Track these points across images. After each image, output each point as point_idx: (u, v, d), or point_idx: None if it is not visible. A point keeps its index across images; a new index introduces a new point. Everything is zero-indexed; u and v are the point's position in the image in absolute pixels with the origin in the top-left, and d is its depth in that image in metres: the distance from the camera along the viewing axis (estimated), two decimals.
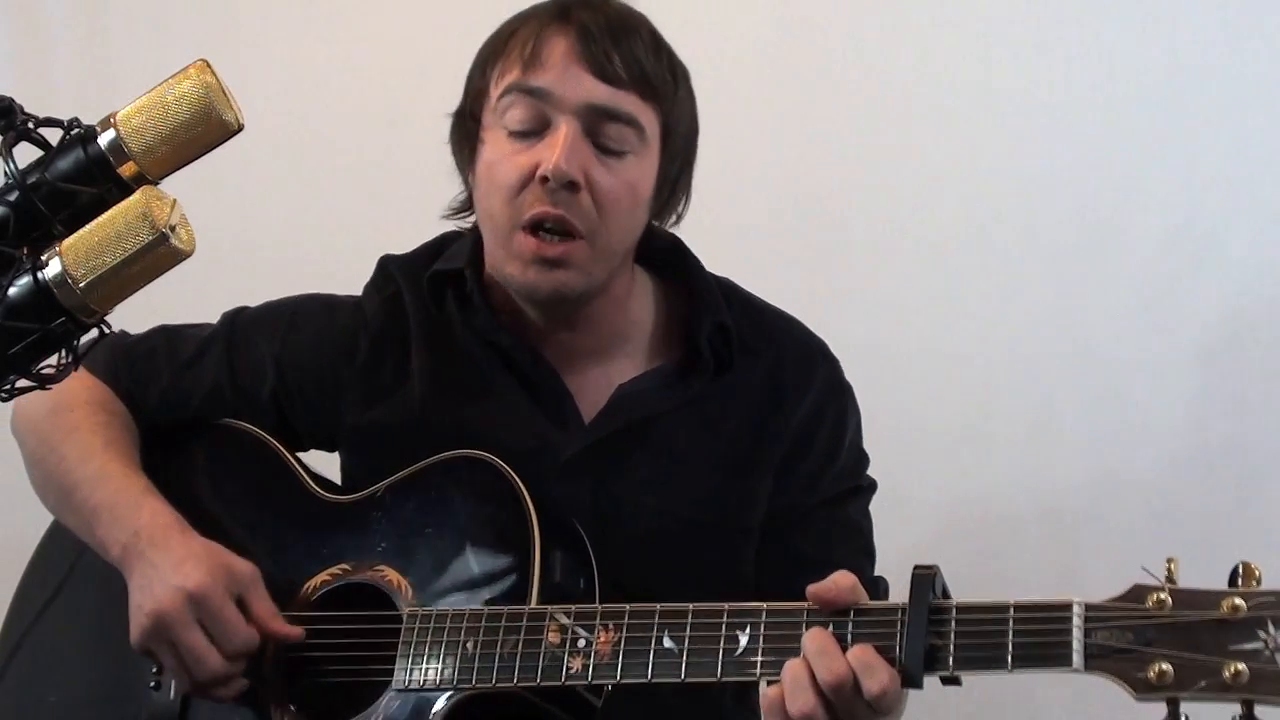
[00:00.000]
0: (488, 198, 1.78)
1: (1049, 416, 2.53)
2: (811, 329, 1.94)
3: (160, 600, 1.69)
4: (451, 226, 1.93)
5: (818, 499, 1.85)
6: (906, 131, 2.61)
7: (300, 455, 1.92)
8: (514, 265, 1.76)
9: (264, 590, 1.74)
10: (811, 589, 1.51)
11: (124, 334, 1.94)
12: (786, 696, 1.47)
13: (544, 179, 1.71)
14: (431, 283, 1.87)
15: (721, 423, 1.84)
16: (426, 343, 1.87)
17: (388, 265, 1.94)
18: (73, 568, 1.87)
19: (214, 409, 1.93)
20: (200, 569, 1.70)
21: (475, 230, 1.87)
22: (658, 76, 1.76)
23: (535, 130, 1.74)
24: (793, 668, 1.47)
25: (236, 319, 1.96)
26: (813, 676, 1.46)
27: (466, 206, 1.88)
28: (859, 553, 1.84)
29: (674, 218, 1.88)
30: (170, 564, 1.70)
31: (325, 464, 1.94)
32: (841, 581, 1.50)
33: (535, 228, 1.74)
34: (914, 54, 2.61)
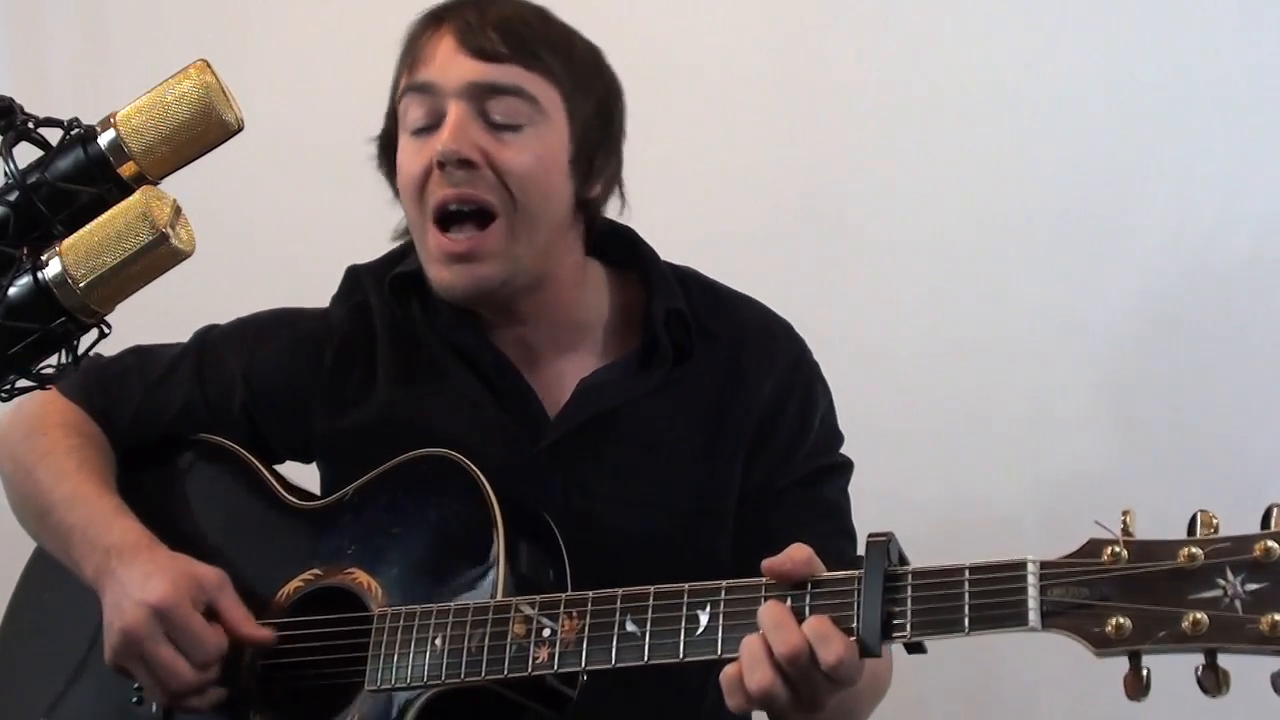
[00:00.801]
0: (404, 200, 1.80)
1: (1048, 416, 2.52)
2: (801, 324, 1.91)
3: (127, 617, 1.69)
4: None
5: (791, 478, 1.83)
6: (906, 132, 2.61)
7: (278, 468, 1.92)
8: (431, 267, 1.77)
9: (233, 594, 1.74)
10: (766, 563, 1.49)
11: (98, 356, 1.94)
12: (744, 672, 1.45)
13: (440, 163, 1.72)
14: (394, 285, 1.86)
15: (686, 409, 1.82)
16: (393, 347, 1.87)
17: (354, 274, 1.95)
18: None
19: (187, 425, 1.93)
20: (165, 582, 1.70)
21: None
22: (542, 47, 1.75)
23: (432, 124, 1.75)
24: (750, 643, 1.45)
25: (206, 336, 1.97)
26: (769, 650, 1.44)
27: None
28: (837, 532, 1.82)
29: (603, 185, 1.83)
30: (136, 580, 1.71)
31: (307, 479, 1.93)
32: (796, 554, 1.48)
33: (445, 220, 1.74)
34: (914, 55, 2.61)
